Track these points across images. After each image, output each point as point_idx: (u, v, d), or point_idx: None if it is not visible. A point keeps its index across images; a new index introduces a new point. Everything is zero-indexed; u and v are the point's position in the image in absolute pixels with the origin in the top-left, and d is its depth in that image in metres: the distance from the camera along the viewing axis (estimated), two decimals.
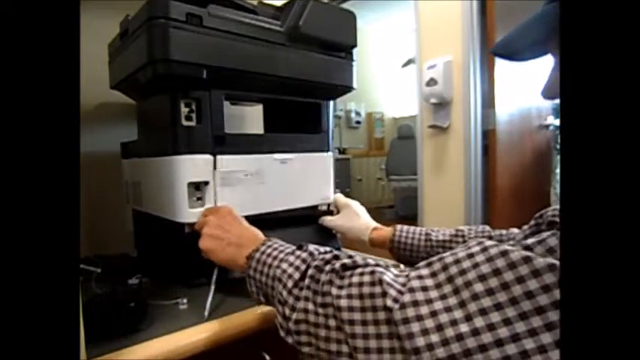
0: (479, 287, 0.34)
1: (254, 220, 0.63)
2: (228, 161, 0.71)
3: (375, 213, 0.91)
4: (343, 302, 0.39)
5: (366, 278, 0.39)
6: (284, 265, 0.47)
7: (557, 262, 0.32)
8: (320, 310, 0.41)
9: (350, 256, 0.45)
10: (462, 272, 0.35)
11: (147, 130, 0.85)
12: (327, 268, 0.43)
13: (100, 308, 0.53)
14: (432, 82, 1.97)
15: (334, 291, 0.40)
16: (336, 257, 0.45)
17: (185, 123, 0.69)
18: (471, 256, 0.36)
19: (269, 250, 0.51)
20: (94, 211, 0.97)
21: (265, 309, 0.60)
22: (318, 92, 0.87)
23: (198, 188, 0.69)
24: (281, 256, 0.49)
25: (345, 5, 2.32)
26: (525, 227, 0.62)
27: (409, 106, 4.76)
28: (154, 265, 0.80)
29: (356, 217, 0.82)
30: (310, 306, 0.41)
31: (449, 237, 0.72)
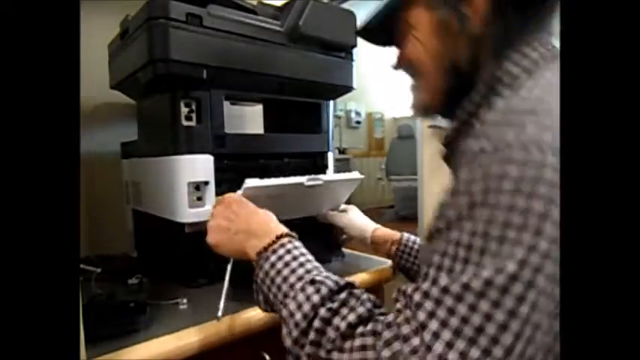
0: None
1: None
2: (254, 189, 0.64)
3: (375, 213, 0.92)
4: None
5: (369, 341, 0.37)
6: (292, 306, 0.43)
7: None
8: None
9: (358, 298, 0.42)
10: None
11: (147, 130, 0.85)
12: (335, 322, 0.40)
13: (100, 308, 0.53)
14: None
15: (336, 356, 0.39)
16: (344, 304, 0.41)
17: (185, 123, 0.69)
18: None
19: (279, 266, 0.47)
20: (94, 211, 0.97)
21: None
22: (318, 92, 0.87)
23: (198, 188, 0.69)
24: (291, 280, 0.45)
25: (345, 5, 2.31)
26: None
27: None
28: (153, 265, 0.80)
29: (358, 216, 0.83)
30: None
31: None
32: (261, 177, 0.80)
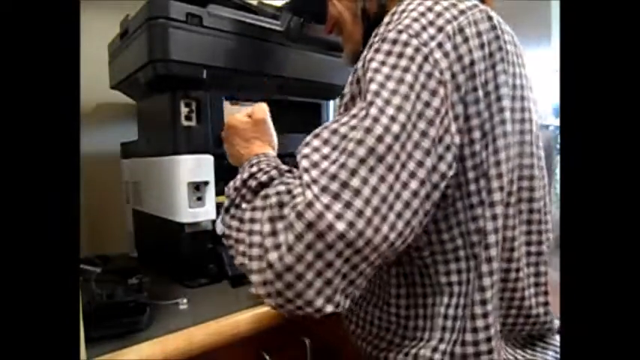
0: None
1: None
2: None
3: None
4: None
5: (273, 200, 0.40)
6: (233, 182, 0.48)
7: None
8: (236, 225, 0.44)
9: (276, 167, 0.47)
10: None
11: (147, 130, 0.85)
12: (249, 183, 0.46)
13: (100, 308, 0.53)
14: None
15: (248, 213, 0.43)
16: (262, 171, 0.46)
17: (185, 123, 0.69)
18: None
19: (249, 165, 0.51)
20: (94, 211, 0.97)
21: (265, 309, 0.60)
22: (318, 92, 0.87)
23: (198, 188, 0.69)
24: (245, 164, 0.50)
25: None
26: None
27: None
28: (154, 265, 0.80)
29: None
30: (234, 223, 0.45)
31: None
32: None
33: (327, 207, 0.34)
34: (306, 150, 0.40)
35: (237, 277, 0.70)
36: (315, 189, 0.35)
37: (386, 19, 0.44)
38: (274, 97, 0.83)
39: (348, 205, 0.35)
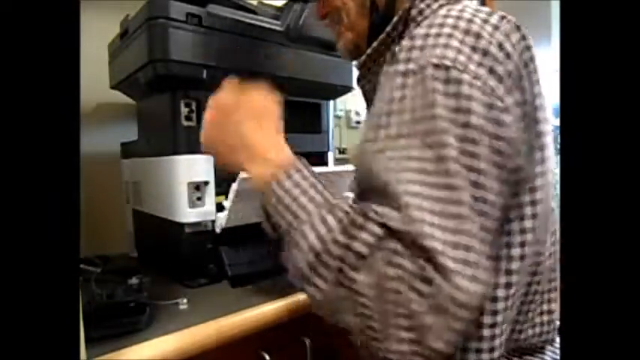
0: None
1: None
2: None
3: None
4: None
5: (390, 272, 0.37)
6: (308, 230, 0.40)
7: None
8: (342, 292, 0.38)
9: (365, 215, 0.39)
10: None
11: (147, 130, 0.85)
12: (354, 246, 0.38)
13: (100, 308, 0.53)
14: None
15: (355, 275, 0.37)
16: (361, 227, 0.38)
17: (185, 123, 0.69)
18: None
19: (296, 192, 0.43)
20: (94, 211, 0.97)
21: (265, 309, 0.60)
22: (318, 92, 0.87)
23: (198, 188, 0.69)
24: (309, 207, 0.41)
25: None
26: None
27: None
28: (153, 265, 0.80)
29: None
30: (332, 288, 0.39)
31: None
32: None
33: (472, 279, 0.34)
34: (418, 214, 0.36)
35: (237, 277, 0.70)
36: (457, 267, 0.35)
37: (417, 32, 0.42)
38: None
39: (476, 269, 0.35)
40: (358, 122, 1.78)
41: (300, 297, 0.62)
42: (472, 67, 0.38)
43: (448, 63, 0.38)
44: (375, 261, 0.37)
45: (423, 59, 0.39)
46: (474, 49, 0.39)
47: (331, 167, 0.81)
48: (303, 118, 0.91)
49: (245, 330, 0.57)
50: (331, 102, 0.92)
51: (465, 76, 0.37)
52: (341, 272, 0.38)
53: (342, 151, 1.52)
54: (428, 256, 0.35)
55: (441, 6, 0.46)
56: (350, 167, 0.80)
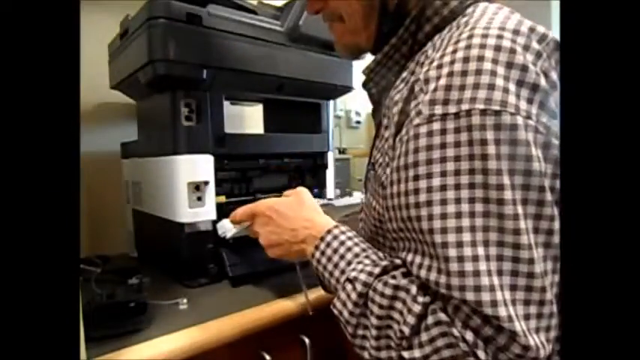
0: None
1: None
2: None
3: None
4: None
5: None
6: (343, 296, 0.44)
7: None
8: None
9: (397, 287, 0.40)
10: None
11: (147, 130, 0.85)
12: (395, 327, 0.39)
13: (100, 308, 0.53)
14: None
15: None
16: (395, 298, 0.40)
17: (185, 123, 0.69)
18: None
19: (324, 261, 0.49)
20: (94, 211, 0.97)
21: (265, 308, 0.60)
22: (318, 92, 0.87)
23: (198, 188, 0.69)
24: (336, 274, 0.46)
25: None
26: None
27: None
28: (153, 265, 0.80)
29: None
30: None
31: None
32: (261, 177, 0.80)
33: (528, 332, 0.33)
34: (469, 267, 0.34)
35: (237, 277, 0.70)
36: (522, 326, 0.33)
37: (447, 57, 0.37)
38: (274, 97, 0.83)
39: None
40: (358, 122, 1.78)
41: (300, 297, 0.62)
42: (523, 106, 0.34)
43: (497, 108, 0.34)
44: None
45: (466, 103, 0.35)
46: (520, 84, 0.35)
47: (344, 200, 0.81)
48: (303, 118, 0.91)
49: (245, 330, 0.57)
50: (331, 102, 0.92)
51: (519, 119, 0.34)
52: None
53: (342, 151, 1.52)
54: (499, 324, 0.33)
55: (461, 3, 0.43)
56: (357, 197, 0.79)
